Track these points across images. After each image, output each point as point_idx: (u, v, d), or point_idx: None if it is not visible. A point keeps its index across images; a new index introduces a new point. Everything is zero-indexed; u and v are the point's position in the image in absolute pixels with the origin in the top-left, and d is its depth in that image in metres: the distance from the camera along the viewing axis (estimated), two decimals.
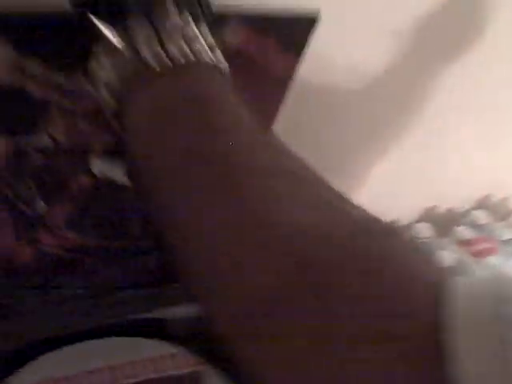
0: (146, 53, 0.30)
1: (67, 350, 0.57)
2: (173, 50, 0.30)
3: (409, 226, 0.99)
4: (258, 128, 0.29)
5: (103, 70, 0.31)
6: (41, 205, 0.51)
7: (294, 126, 0.57)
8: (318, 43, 0.48)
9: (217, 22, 0.35)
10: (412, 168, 0.88)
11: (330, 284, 0.22)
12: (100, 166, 0.50)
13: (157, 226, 0.30)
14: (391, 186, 0.88)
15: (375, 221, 0.26)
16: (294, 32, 0.44)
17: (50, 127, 0.46)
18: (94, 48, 0.32)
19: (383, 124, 0.78)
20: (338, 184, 0.91)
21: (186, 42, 0.30)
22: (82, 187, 0.51)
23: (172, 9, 0.31)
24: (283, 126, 0.54)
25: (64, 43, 0.38)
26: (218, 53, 0.32)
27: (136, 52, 0.30)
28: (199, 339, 0.61)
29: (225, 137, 0.28)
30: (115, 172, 0.51)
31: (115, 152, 0.50)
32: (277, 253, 0.23)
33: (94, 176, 0.51)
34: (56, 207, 0.52)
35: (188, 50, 0.30)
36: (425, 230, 0.93)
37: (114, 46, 0.30)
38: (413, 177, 0.90)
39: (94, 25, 0.31)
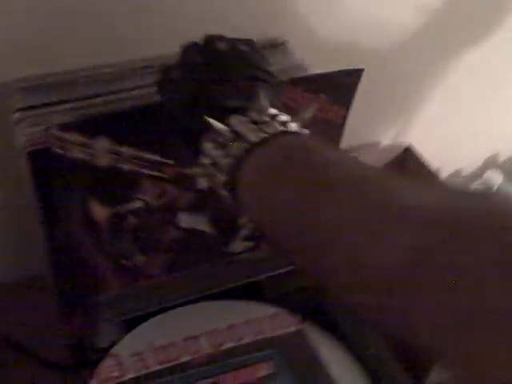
0: (247, 134, 0.38)
1: (166, 317, 0.59)
2: (267, 129, 0.38)
3: (477, 174, 1.01)
4: (353, 155, 0.36)
5: (210, 156, 0.39)
6: (139, 258, 0.59)
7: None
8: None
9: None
10: (472, 117, 0.92)
11: (470, 232, 0.26)
12: (186, 220, 0.57)
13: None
14: (454, 136, 0.92)
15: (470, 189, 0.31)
16: (341, 87, 0.50)
17: (142, 193, 0.53)
18: (201, 143, 0.40)
19: (443, 73, 0.83)
20: (402, 138, 0.96)
21: (275, 121, 0.39)
22: (172, 239, 0.58)
23: (266, 104, 0.39)
24: None
25: (151, 130, 0.46)
26: (298, 124, 0.40)
27: (238, 135, 0.38)
28: (297, 299, 0.63)
29: (338, 164, 0.34)
30: (199, 223, 0.58)
31: (198, 206, 0.56)
32: (414, 222, 0.28)
33: (181, 228, 0.58)
34: (152, 259, 0.59)
35: (278, 125, 0.38)
36: (495, 177, 0.93)
37: (223, 137, 0.38)
38: (474, 125, 0.93)
39: (207, 123, 0.39)
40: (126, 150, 0.47)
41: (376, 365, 0.58)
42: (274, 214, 0.35)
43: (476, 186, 0.94)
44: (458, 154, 0.97)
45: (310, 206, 0.33)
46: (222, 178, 0.38)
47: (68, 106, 0.50)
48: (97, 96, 0.51)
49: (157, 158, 0.50)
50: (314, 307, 0.63)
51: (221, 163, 0.38)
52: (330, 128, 0.55)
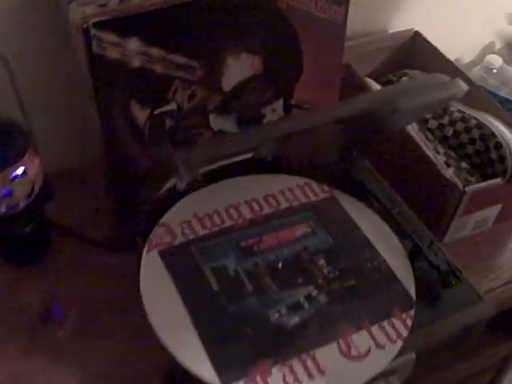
0: None
1: (205, 191, 0.64)
2: None
3: (477, 61, 1.04)
4: None
5: None
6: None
7: None
8: None
9: None
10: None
11: None
12: (216, 122, 0.63)
13: None
14: (455, 23, 0.94)
15: None
16: None
17: (175, 95, 0.59)
18: None
19: None
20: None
21: None
22: None
23: None
24: None
25: (180, 31, 0.51)
26: None
27: None
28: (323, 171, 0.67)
29: None
30: (228, 124, 0.64)
31: (226, 109, 0.62)
32: None
33: (213, 131, 0.64)
34: None
35: None
36: (494, 61, 0.98)
37: None
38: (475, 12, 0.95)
39: None
40: (155, 51, 0.53)
41: (401, 222, 0.62)
42: None
43: (476, 70, 0.99)
44: (460, 41, 0.99)
45: None
46: None
47: None
48: None
49: (185, 59, 0.55)
50: (342, 177, 0.68)
51: None
52: (332, 28, 0.59)
